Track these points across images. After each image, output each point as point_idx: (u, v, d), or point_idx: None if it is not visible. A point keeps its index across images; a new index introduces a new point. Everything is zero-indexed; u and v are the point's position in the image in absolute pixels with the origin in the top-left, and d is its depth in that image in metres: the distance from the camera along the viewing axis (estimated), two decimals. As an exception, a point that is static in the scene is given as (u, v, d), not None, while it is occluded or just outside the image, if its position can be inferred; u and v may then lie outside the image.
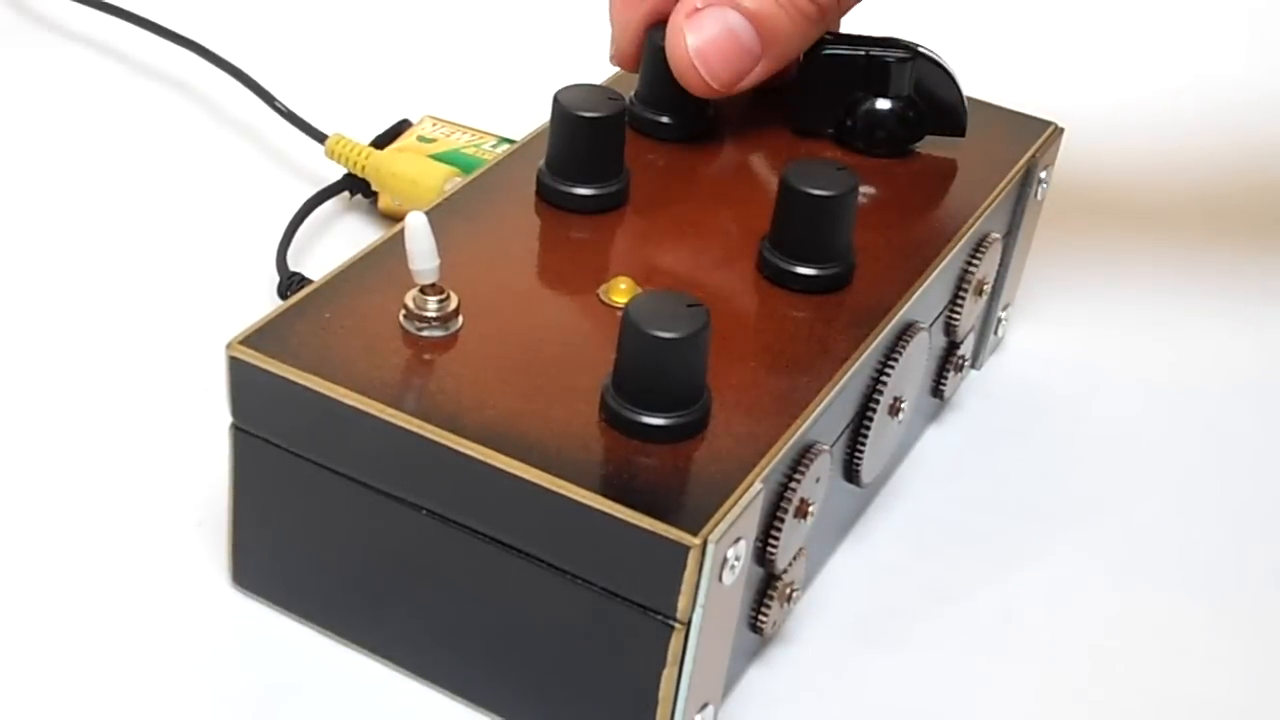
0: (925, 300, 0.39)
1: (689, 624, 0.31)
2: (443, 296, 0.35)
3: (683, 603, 0.31)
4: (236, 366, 0.34)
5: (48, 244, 0.48)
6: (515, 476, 0.31)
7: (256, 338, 0.34)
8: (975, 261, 0.41)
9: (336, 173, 0.50)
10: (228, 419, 0.35)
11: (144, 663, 0.35)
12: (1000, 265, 0.45)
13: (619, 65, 0.44)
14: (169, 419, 0.42)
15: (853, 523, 0.41)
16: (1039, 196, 0.45)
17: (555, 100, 0.39)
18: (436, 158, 0.49)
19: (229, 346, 0.34)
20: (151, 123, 0.55)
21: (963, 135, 0.43)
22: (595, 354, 0.34)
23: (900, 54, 0.42)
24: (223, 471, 0.36)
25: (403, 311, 0.35)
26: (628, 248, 0.39)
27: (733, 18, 0.40)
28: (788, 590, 0.35)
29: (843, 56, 0.42)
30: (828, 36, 0.43)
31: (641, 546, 0.30)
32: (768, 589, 0.35)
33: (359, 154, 0.49)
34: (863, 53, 0.42)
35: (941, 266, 0.39)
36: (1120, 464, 0.44)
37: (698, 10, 0.40)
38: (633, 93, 0.43)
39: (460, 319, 0.35)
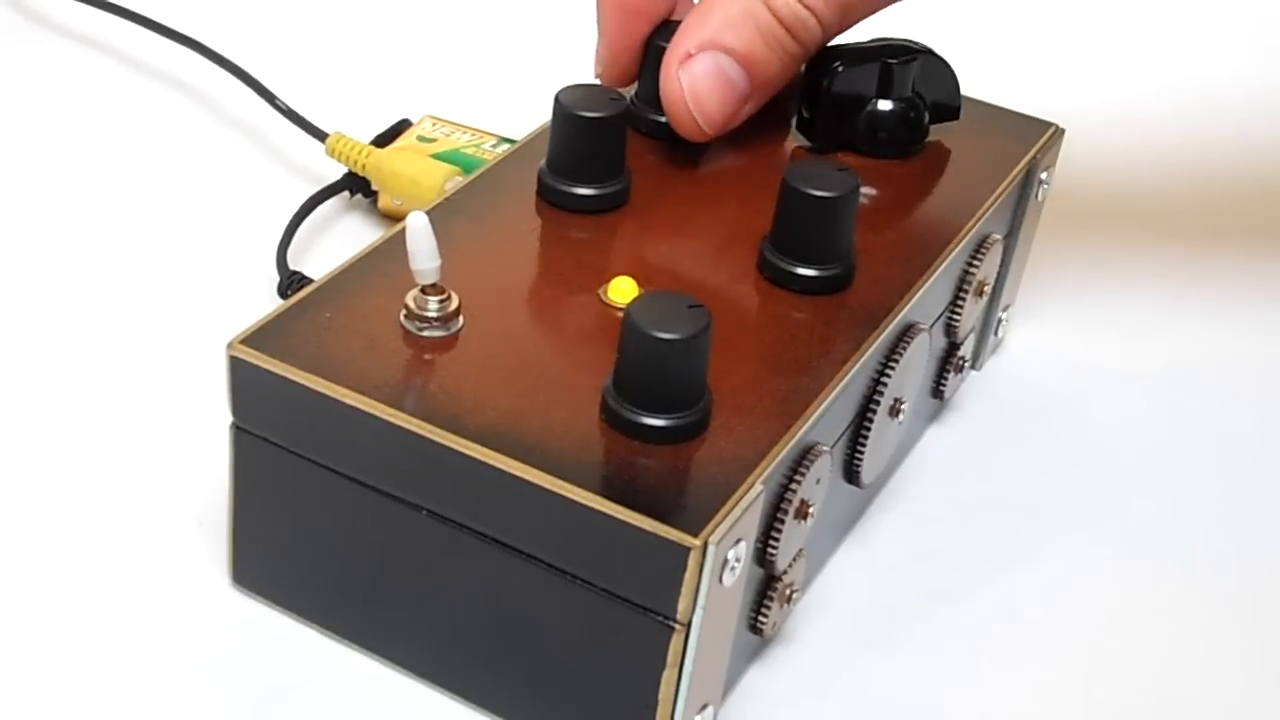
0: (926, 301, 0.39)
1: (689, 625, 0.31)
2: (444, 296, 0.35)
3: (683, 604, 0.31)
4: (237, 366, 0.34)
5: (48, 243, 0.48)
6: (515, 477, 0.31)
7: (257, 337, 0.34)
8: (976, 262, 0.41)
9: (337, 171, 0.50)
10: (228, 419, 0.35)
11: (144, 662, 0.35)
12: (1001, 266, 0.44)
13: (612, 83, 0.44)
14: (169, 419, 0.42)
15: (853, 523, 0.41)
16: (1040, 198, 0.45)
17: (556, 100, 0.39)
18: (436, 158, 0.49)
19: (229, 346, 0.34)
20: (151, 122, 0.55)
21: (956, 119, 0.43)
22: (596, 354, 0.34)
23: (906, 56, 0.42)
24: (223, 471, 0.36)
25: (403, 311, 0.35)
26: (629, 248, 0.39)
27: (723, 60, 0.40)
28: (788, 591, 0.35)
29: (857, 72, 0.42)
30: (840, 49, 0.42)
31: (642, 547, 0.30)
32: (768, 590, 0.35)
33: (359, 153, 0.49)
34: (875, 63, 0.42)
35: (942, 268, 0.39)
36: (1120, 464, 0.44)
37: (690, 55, 0.40)
38: (634, 93, 0.43)
39: (461, 319, 0.35)
